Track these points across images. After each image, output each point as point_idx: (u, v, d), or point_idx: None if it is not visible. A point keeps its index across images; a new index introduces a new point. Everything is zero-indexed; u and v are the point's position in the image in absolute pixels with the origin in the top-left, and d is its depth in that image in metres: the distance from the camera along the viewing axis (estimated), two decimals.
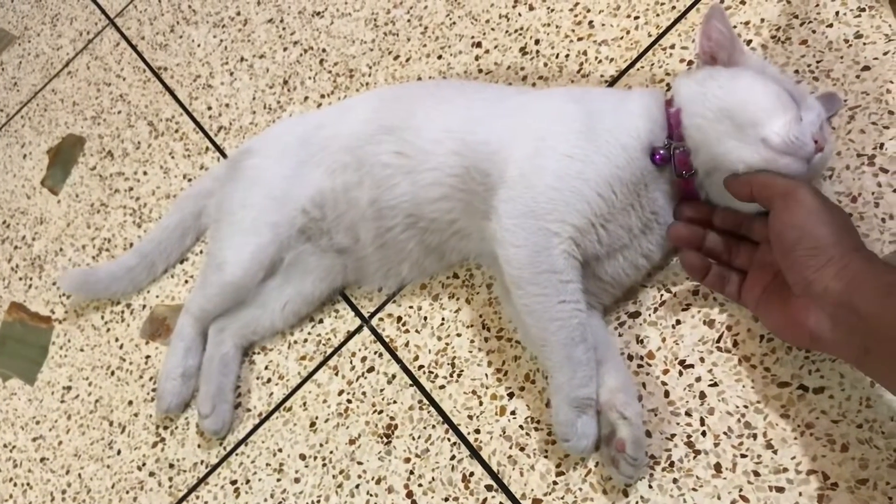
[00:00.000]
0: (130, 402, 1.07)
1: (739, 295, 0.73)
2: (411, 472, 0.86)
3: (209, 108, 1.27)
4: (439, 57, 1.11)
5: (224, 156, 1.21)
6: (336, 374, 0.95)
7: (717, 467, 0.73)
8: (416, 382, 0.90)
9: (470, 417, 0.86)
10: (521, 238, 0.77)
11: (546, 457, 0.80)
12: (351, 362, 0.95)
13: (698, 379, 0.77)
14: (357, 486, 0.87)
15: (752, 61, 0.78)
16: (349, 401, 0.93)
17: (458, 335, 0.91)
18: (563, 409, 0.75)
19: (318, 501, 0.89)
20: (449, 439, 0.86)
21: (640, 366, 0.80)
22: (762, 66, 0.78)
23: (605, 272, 0.80)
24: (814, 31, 0.88)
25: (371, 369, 0.94)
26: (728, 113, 0.72)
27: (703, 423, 0.75)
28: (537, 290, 0.76)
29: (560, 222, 0.75)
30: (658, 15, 0.98)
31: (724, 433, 0.74)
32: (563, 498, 0.78)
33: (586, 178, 0.75)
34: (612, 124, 0.78)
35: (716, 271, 0.76)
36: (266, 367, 1.00)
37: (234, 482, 0.94)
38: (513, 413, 0.84)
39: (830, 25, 0.87)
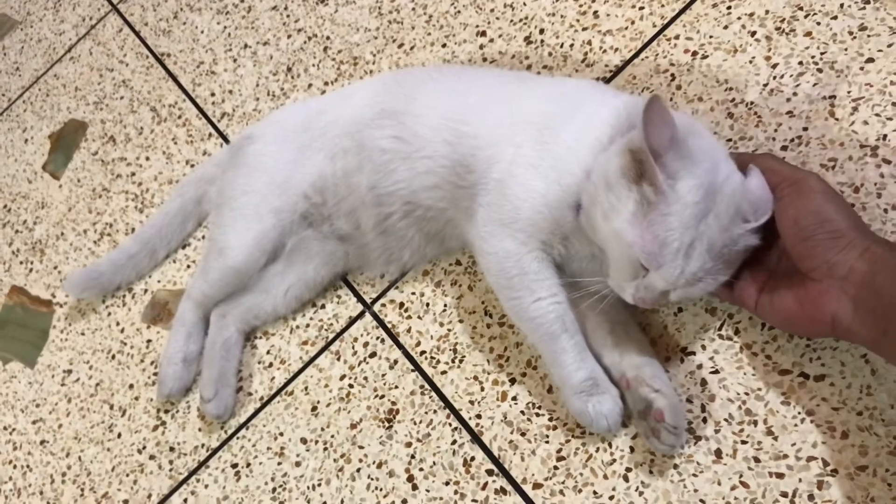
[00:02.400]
0: (131, 386, 1.07)
1: (733, 294, 0.73)
2: (412, 457, 0.86)
3: (212, 95, 1.27)
4: (443, 45, 1.11)
5: (227, 142, 1.21)
6: (338, 359, 0.95)
7: (718, 453, 0.73)
8: (417, 368, 0.91)
9: (471, 403, 0.86)
10: (493, 245, 0.79)
11: (547, 442, 0.80)
12: (353, 347, 0.95)
13: (699, 366, 0.78)
14: (358, 470, 0.88)
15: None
16: (351, 385, 0.93)
17: (460, 321, 0.91)
18: (571, 400, 0.77)
19: (319, 485, 0.89)
20: (450, 424, 0.86)
21: None
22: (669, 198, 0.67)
23: (584, 276, 0.79)
24: (818, 23, 0.89)
25: (373, 354, 0.94)
26: (595, 237, 0.73)
27: (703, 409, 0.76)
28: (511, 294, 0.79)
29: (525, 233, 0.77)
30: (663, 5, 0.98)
31: (725, 420, 0.74)
32: (563, 483, 0.78)
33: (543, 194, 0.76)
34: (571, 142, 0.76)
35: None
36: (268, 352, 1.00)
37: (234, 465, 0.95)
38: (514, 399, 0.84)
39: (835, 17, 0.88)
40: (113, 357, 1.10)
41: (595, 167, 0.72)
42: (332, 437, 0.91)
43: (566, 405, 0.78)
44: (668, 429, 0.71)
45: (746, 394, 0.75)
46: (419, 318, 0.94)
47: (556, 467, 0.79)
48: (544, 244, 0.78)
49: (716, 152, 0.70)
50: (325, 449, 0.91)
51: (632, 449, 0.77)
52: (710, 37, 0.93)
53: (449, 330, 0.91)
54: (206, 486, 0.95)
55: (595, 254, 0.77)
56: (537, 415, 0.82)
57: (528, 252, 0.78)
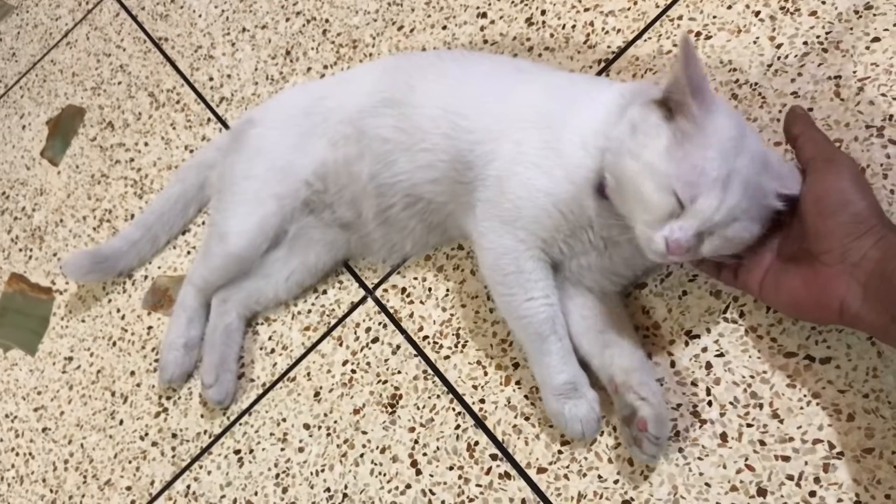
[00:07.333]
0: (132, 373, 1.07)
1: (737, 279, 0.73)
2: (416, 442, 0.86)
3: (211, 79, 1.26)
4: (444, 27, 1.10)
5: (226, 127, 1.20)
6: (340, 345, 0.95)
7: (723, 437, 0.73)
8: (420, 353, 0.90)
9: (475, 387, 0.86)
10: (491, 241, 0.79)
11: (551, 426, 0.80)
12: (355, 333, 0.95)
13: (704, 349, 0.77)
14: (361, 456, 0.88)
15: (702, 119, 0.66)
16: (353, 371, 0.93)
17: (463, 306, 0.91)
18: (549, 401, 0.77)
19: (323, 470, 0.89)
20: (454, 409, 0.86)
21: (645, 336, 0.80)
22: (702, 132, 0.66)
23: (583, 275, 0.80)
24: (823, 2, 0.87)
25: (375, 340, 0.94)
26: (624, 188, 0.69)
27: (708, 392, 0.75)
28: (504, 290, 0.79)
29: (526, 230, 0.77)
30: None
31: (731, 403, 0.74)
32: (567, 467, 0.78)
33: (549, 192, 0.75)
34: (576, 138, 0.75)
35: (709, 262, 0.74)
36: (270, 338, 1.00)
37: (237, 452, 0.95)
38: (518, 383, 0.84)
39: None
40: (114, 344, 1.10)
41: (614, 134, 0.71)
42: (335, 422, 0.91)
43: (544, 405, 0.78)
44: (650, 439, 0.70)
45: (752, 377, 0.74)
46: (421, 303, 0.93)
47: (560, 451, 0.79)
48: (545, 243, 0.77)
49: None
50: (329, 434, 0.90)
51: None
52: (714, 17, 0.92)
53: (451, 315, 0.91)
54: (209, 473, 0.95)
55: (607, 246, 0.77)
56: (541, 399, 0.82)
57: (526, 250, 0.77)
